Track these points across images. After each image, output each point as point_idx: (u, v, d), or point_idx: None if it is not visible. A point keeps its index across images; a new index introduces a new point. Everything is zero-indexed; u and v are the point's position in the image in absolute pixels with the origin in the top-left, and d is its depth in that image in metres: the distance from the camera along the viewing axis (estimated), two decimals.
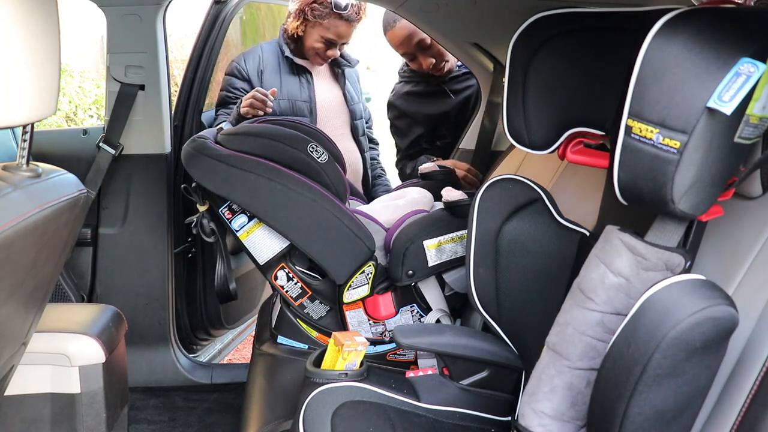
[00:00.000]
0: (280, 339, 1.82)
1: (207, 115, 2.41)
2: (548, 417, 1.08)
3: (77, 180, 1.24)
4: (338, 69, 2.40)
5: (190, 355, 2.39)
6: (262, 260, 1.75)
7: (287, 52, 2.29)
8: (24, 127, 1.11)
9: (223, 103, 2.28)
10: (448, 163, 2.17)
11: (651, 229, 1.03)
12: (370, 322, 1.76)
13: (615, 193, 0.98)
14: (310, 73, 2.33)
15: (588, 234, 1.34)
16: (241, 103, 2.09)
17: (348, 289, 1.72)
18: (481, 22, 2.04)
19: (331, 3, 2.18)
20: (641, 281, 1.01)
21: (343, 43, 2.29)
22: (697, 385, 0.91)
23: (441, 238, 1.67)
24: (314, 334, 1.80)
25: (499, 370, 1.41)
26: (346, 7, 2.19)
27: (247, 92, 2.23)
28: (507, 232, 1.39)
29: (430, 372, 1.43)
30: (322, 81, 2.38)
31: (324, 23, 2.20)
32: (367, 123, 2.55)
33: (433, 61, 2.38)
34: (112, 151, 2.17)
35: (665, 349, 0.86)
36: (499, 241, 1.39)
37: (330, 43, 2.24)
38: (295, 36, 2.26)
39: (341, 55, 2.39)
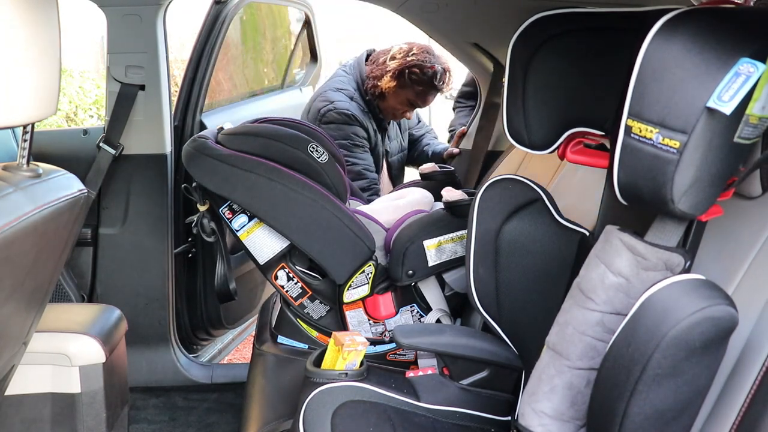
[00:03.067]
0: (280, 339, 1.82)
1: (207, 116, 2.41)
2: (548, 417, 1.08)
3: (77, 180, 1.23)
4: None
5: (190, 355, 2.39)
6: (262, 260, 1.75)
7: (381, 115, 2.30)
8: (24, 127, 1.11)
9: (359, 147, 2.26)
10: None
11: (651, 229, 1.03)
12: (370, 322, 1.76)
13: (615, 193, 0.98)
14: (386, 129, 2.36)
15: (588, 234, 1.34)
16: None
17: (348, 289, 1.72)
18: (481, 22, 2.04)
19: (429, 72, 2.19)
20: (641, 281, 1.01)
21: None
22: (696, 384, 0.91)
23: (441, 238, 1.67)
24: (314, 334, 1.80)
25: (499, 370, 1.41)
26: (441, 80, 2.22)
27: (367, 142, 2.26)
28: (507, 232, 1.39)
29: (430, 372, 1.43)
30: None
31: (416, 89, 2.22)
32: (417, 124, 2.59)
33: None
34: (113, 151, 2.17)
35: (665, 349, 0.86)
36: (499, 241, 1.39)
37: (412, 106, 2.27)
38: (384, 94, 2.25)
39: None
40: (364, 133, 2.25)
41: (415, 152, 2.57)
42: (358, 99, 2.30)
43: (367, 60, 2.35)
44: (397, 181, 2.52)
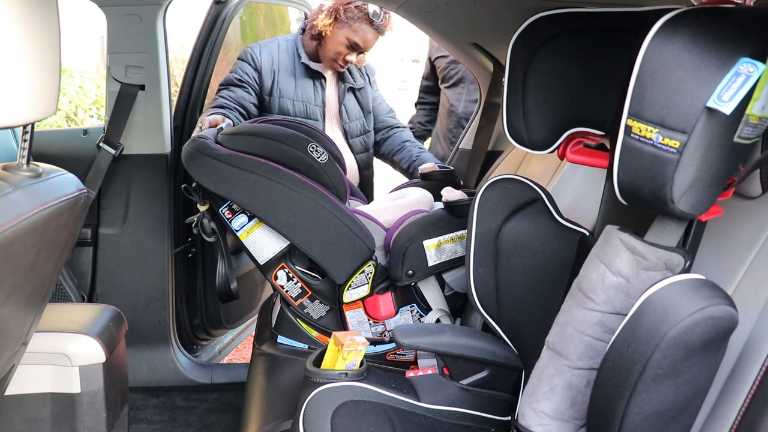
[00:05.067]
0: (280, 339, 1.83)
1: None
2: (548, 417, 1.09)
3: (77, 180, 1.24)
4: (343, 84, 2.38)
5: (190, 355, 2.39)
6: (262, 260, 1.75)
7: (303, 58, 2.29)
8: (24, 127, 1.11)
9: (227, 83, 2.27)
10: None
11: (651, 228, 1.03)
12: (370, 322, 1.76)
13: (615, 193, 0.98)
14: (324, 78, 2.33)
15: (588, 234, 1.34)
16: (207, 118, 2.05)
17: (348, 289, 1.72)
18: (481, 22, 2.04)
19: (365, 8, 2.19)
20: (641, 281, 1.01)
21: (362, 52, 2.29)
22: (696, 384, 0.91)
23: (441, 238, 1.67)
24: (314, 334, 1.80)
25: (499, 369, 1.41)
26: (378, 15, 2.21)
27: (256, 82, 2.26)
28: (507, 232, 1.39)
29: (430, 372, 1.43)
30: (329, 87, 2.38)
31: (354, 26, 2.21)
32: (389, 113, 2.55)
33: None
34: (113, 151, 2.17)
35: (665, 349, 0.86)
36: (499, 241, 1.39)
37: (353, 48, 2.25)
38: (322, 34, 2.25)
39: (350, 72, 2.38)
40: (255, 75, 2.25)
41: (390, 147, 2.49)
42: (285, 43, 2.31)
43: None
44: (363, 164, 2.47)
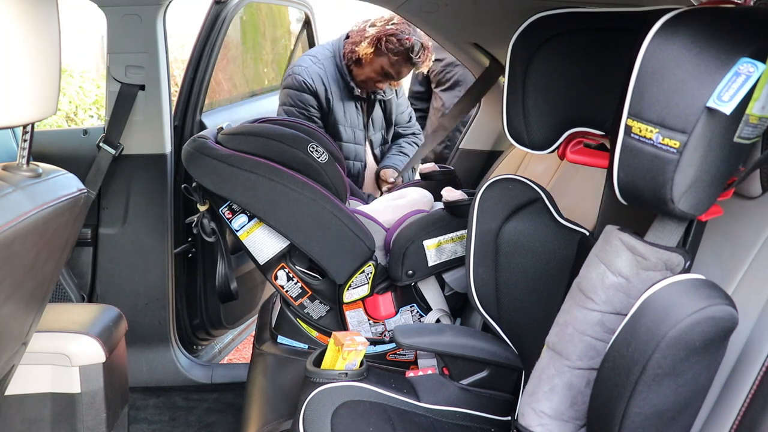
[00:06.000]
0: (280, 339, 1.83)
1: (207, 116, 2.41)
2: (548, 417, 1.09)
3: (77, 180, 1.23)
4: (372, 95, 2.39)
5: (190, 355, 2.39)
6: (262, 260, 1.75)
7: (353, 84, 2.28)
8: (24, 127, 1.11)
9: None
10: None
11: (651, 228, 1.03)
12: (370, 322, 1.76)
13: (615, 193, 0.98)
14: (365, 101, 2.34)
15: (588, 234, 1.34)
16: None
17: (348, 289, 1.72)
18: (481, 22, 2.04)
19: (407, 44, 2.18)
20: (641, 281, 1.01)
21: (393, 80, 2.31)
22: (696, 384, 0.91)
23: (441, 238, 1.67)
24: (314, 333, 1.80)
25: (499, 369, 1.41)
26: (417, 52, 2.21)
27: (319, 110, 2.24)
28: (507, 232, 1.39)
29: (430, 372, 1.43)
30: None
31: (391, 58, 2.20)
32: (408, 123, 2.57)
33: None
34: (113, 151, 2.17)
35: (665, 349, 0.86)
36: (499, 241, 1.39)
37: (386, 77, 2.25)
38: (360, 60, 2.24)
39: None
40: (315, 101, 2.23)
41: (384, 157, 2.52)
42: (327, 63, 2.28)
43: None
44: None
